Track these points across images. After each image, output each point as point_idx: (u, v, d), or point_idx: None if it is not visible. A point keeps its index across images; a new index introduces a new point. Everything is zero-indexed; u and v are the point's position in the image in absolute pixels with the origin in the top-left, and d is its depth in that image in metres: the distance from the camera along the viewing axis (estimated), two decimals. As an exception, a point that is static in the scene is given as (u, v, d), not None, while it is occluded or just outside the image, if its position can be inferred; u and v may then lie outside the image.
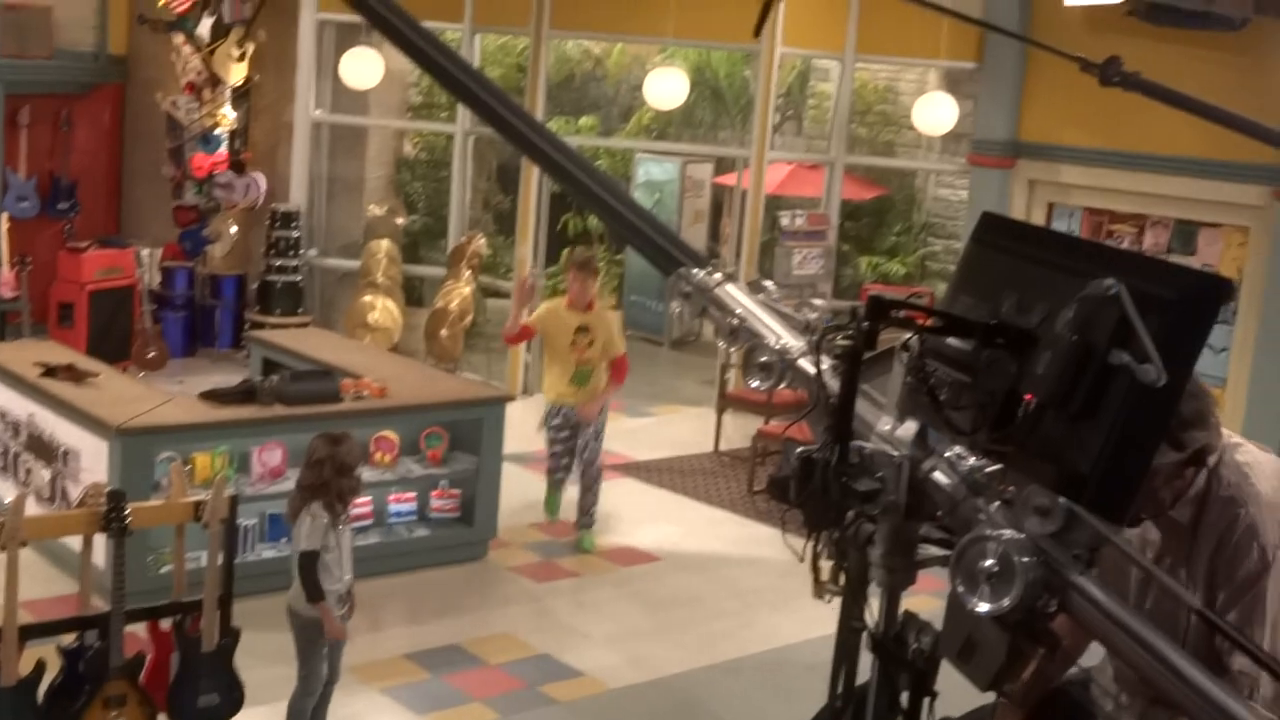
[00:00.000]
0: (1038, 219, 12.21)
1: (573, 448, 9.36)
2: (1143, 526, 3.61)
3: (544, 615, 8.14)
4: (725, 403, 11.93)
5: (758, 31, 8.12)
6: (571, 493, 9.58)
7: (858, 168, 15.05)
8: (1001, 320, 2.57)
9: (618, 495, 10.48)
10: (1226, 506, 3.49)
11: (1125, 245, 11.76)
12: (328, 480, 6.01)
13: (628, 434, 12.05)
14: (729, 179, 16.26)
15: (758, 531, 9.87)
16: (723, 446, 11.86)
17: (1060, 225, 12.16)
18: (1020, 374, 2.52)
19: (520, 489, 9.89)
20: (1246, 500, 3.49)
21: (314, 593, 6.00)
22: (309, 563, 6.00)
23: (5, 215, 13.09)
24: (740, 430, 11.83)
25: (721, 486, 10.93)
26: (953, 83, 13.49)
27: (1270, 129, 5.51)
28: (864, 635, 2.88)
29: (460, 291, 13.29)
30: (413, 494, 8.84)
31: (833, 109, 14.20)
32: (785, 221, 13.04)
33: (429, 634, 7.00)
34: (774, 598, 8.55)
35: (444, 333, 13.01)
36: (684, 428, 11.90)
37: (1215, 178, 11.23)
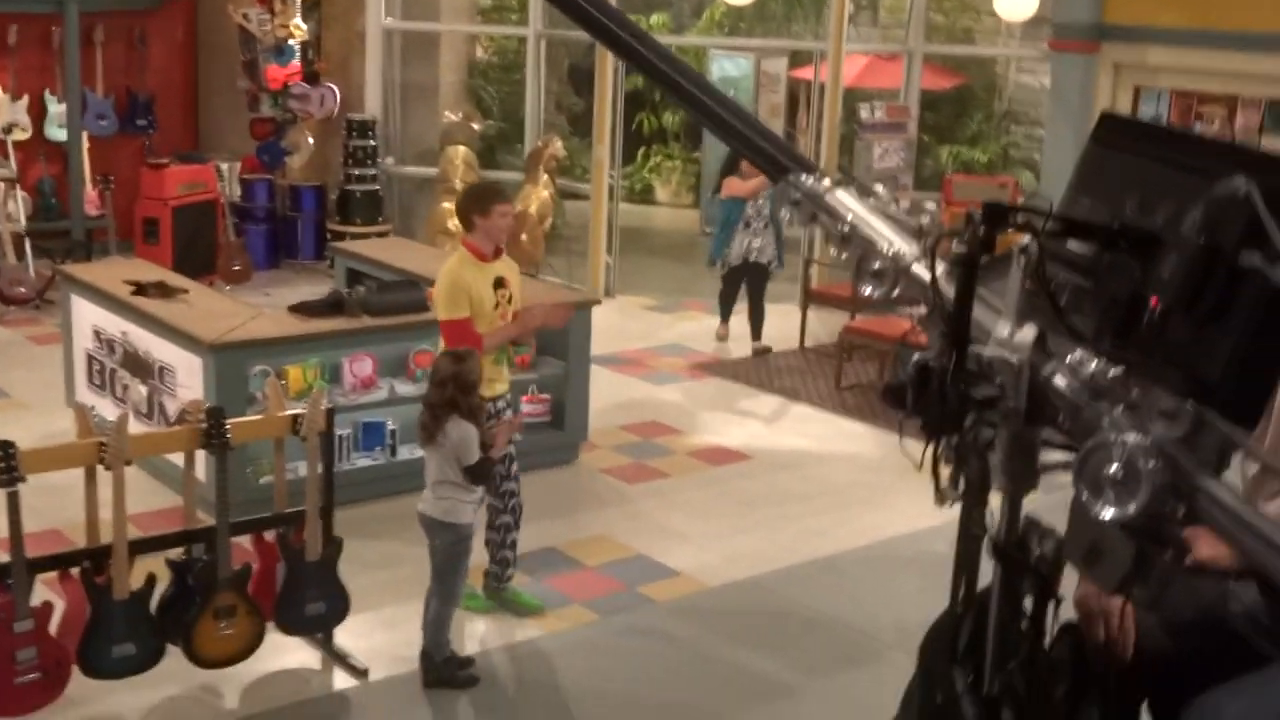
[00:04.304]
0: (1123, 103, 11.96)
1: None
2: None
3: (638, 516, 8.18)
4: (809, 299, 11.86)
5: None
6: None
7: (936, 57, 14.79)
8: (1125, 223, 2.52)
9: (705, 394, 10.49)
10: None
11: (1215, 127, 11.51)
12: (454, 398, 6.05)
13: (713, 332, 12.03)
14: (805, 73, 16.05)
15: (847, 427, 9.86)
16: (808, 343, 11.82)
17: (1147, 109, 11.89)
18: (1145, 278, 2.47)
19: (608, 391, 9.94)
20: None
21: (483, 477, 6.14)
22: (483, 470, 6.08)
23: (86, 134, 13.23)
24: (825, 326, 11.79)
25: (809, 383, 10.89)
26: (1032, -36, 13.17)
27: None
28: (985, 541, 2.87)
29: (539, 195, 13.29)
30: (502, 400, 8.88)
31: (909, -4, 13.95)
32: (864, 114, 12.87)
33: (525, 537, 7.03)
34: (868, 493, 8.55)
35: (524, 237, 13.00)
36: (769, 324, 11.82)
37: (1311, 55, 10.90)
